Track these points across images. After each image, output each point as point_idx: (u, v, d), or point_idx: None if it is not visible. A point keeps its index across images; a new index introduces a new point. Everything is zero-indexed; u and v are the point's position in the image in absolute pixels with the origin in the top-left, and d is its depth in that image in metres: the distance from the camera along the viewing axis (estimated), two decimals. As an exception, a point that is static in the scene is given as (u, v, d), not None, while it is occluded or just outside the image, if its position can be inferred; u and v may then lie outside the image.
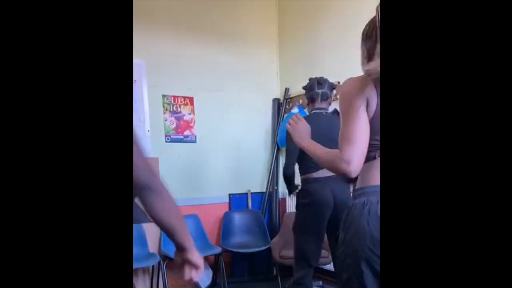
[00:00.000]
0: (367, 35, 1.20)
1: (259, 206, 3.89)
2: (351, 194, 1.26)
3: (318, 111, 2.35)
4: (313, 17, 3.62)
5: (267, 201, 3.87)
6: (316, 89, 2.36)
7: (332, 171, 1.20)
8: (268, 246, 3.40)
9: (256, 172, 3.94)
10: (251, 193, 3.88)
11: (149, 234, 3.12)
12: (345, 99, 1.17)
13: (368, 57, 1.22)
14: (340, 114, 1.19)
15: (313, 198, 2.28)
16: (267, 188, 3.90)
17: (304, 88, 2.45)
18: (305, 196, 2.34)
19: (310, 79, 2.44)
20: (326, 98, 2.37)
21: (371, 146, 1.15)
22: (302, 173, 2.39)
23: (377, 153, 1.15)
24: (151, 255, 3.03)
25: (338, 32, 3.28)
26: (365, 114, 1.13)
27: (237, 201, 3.82)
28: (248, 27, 3.90)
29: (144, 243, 3.08)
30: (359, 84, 1.15)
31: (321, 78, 2.41)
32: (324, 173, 2.23)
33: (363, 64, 1.24)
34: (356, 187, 1.21)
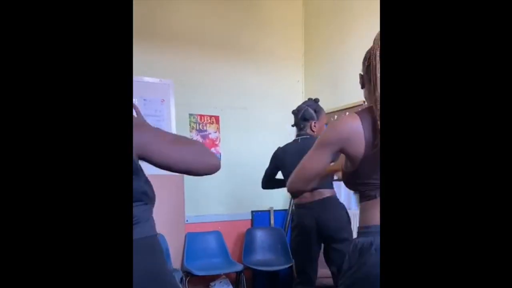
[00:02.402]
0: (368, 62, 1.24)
1: (282, 224, 3.91)
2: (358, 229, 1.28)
3: (303, 137, 2.50)
4: (339, 37, 3.64)
5: (289, 218, 3.88)
6: (299, 117, 2.49)
7: None
8: (290, 265, 3.40)
9: (279, 189, 3.96)
10: (274, 210, 3.91)
11: (172, 249, 3.20)
12: (326, 136, 1.20)
13: (362, 84, 1.28)
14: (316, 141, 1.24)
15: (298, 223, 2.42)
16: (289, 206, 3.91)
17: (298, 107, 2.53)
18: (293, 220, 2.53)
19: (310, 99, 2.56)
20: (302, 128, 2.50)
21: (370, 185, 1.16)
22: (294, 197, 2.60)
23: (377, 193, 1.15)
24: (174, 270, 3.10)
25: (363, 52, 3.27)
26: (329, 157, 1.20)
27: (259, 218, 3.85)
28: (274, 46, 3.96)
29: (167, 258, 3.15)
30: (343, 129, 1.16)
31: (314, 105, 2.47)
32: (308, 198, 2.34)
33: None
34: (360, 225, 1.23)
